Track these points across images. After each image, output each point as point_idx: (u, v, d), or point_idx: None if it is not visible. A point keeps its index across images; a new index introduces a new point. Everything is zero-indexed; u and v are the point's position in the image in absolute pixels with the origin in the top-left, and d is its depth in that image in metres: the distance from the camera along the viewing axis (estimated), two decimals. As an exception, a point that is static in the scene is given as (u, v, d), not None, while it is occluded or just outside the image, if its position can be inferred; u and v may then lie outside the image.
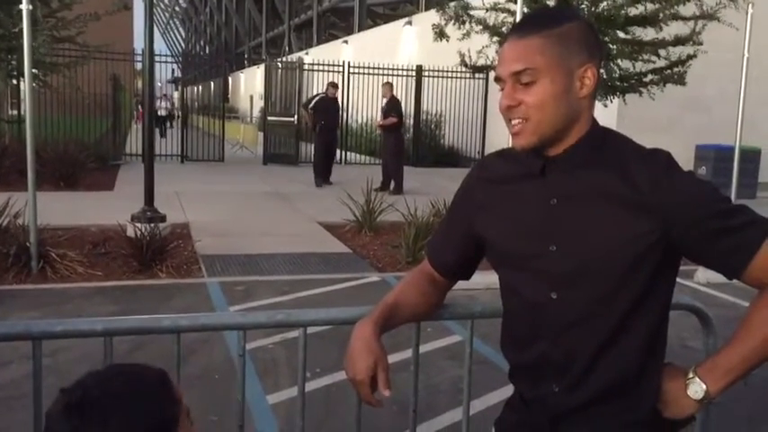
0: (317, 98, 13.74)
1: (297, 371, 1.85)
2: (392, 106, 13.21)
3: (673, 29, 8.86)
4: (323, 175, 13.40)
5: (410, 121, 17.57)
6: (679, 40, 8.80)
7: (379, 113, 13.55)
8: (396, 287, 1.65)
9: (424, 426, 3.60)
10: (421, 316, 1.71)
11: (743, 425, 3.90)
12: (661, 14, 8.54)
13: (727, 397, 1.63)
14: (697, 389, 1.38)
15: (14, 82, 15.48)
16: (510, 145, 1.46)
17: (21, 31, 10.29)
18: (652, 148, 1.41)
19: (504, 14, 9.09)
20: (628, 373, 1.40)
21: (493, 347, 4.38)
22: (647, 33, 8.91)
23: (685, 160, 13.23)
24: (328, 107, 13.37)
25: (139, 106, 27.41)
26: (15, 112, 16.63)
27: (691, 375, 1.39)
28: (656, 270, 1.36)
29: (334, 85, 13.94)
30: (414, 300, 1.63)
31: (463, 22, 9.13)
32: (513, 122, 1.38)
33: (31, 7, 6.22)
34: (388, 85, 13.59)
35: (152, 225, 7.34)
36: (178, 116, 22.28)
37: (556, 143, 1.39)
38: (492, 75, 1.48)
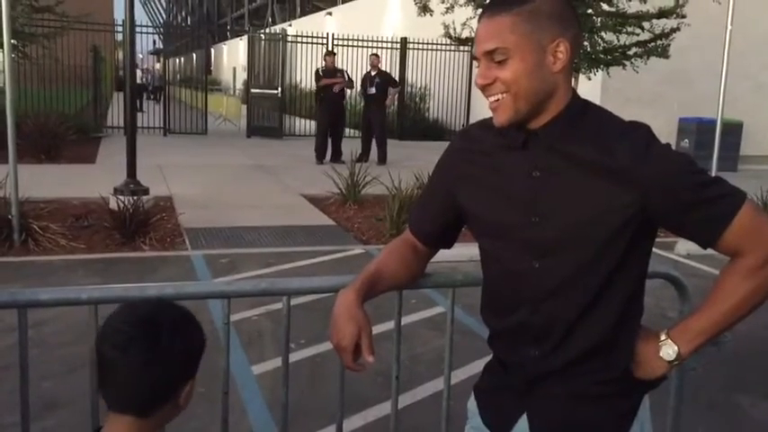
0: (317, 71, 13.11)
1: (281, 341, 1.87)
2: (387, 78, 13.14)
3: (657, 1, 8.87)
4: (322, 152, 12.75)
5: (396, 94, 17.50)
6: (663, 13, 8.83)
7: (369, 85, 13.03)
8: (378, 256, 1.67)
9: (407, 395, 3.66)
10: (402, 284, 1.73)
11: (717, 392, 4.00)
12: (645, -13, 8.55)
13: (702, 364, 1.69)
14: (669, 351, 1.43)
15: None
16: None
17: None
18: (632, 122, 1.43)
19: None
20: (604, 337, 1.43)
21: (476, 318, 4.43)
22: (631, 6, 8.92)
23: (668, 133, 13.31)
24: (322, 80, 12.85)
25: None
26: (-7, 84, 16.37)
27: (663, 338, 1.44)
28: (634, 239, 1.39)
29: (330, 53, 13.41)
30: (395, 268, 1.65)
31: (447, -6, 9.09)
32: (491, 99, 1.41)
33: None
34: (376, 57, 13.48)
35: (135, 198, 7.32)
36: (154, 88, 21.98)
37: (535, 117, 1.41)
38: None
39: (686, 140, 13.22)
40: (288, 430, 1.98)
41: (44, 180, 9.17)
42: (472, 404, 1.63)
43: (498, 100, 1.39)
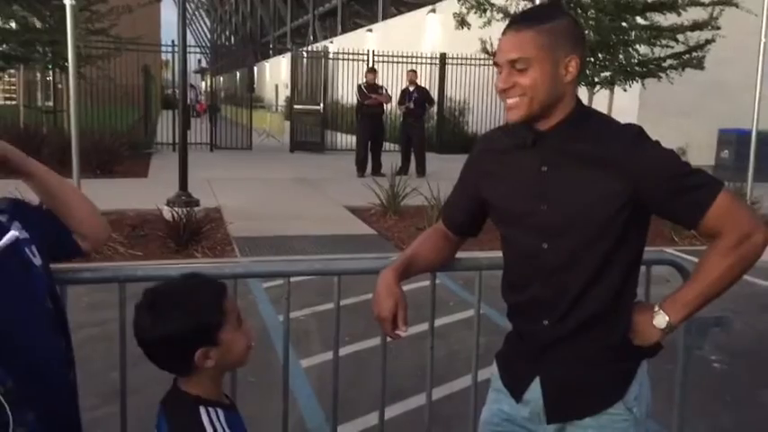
0: (360, 87, 13.74)
1: (327, 340, 2.14)
2: (424, 94, 13.54)
3: (691, 14, 9.01)
4: (363, 165, 13.26)
5: (434, 109, 17.83)
6: (697, 25, 8.96)
7: (407, 100, 13.52)
8: (414, 242, 1.96)
9: (445, 386, 3.93)
10: (434, 267, 2.02)
11: (742, 389, 4.16)
12: (679, 0, 8.71)
13: (705, 345, 1.93)
14: (661, 320, 1.68)
15: (50, 74, 15.97)
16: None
17: (58, 24, 10.74)
18: (626, 123, 1.71)
19: (525, 2, 9.32)
20: (604, 308, 1.69)
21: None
22: (667, 18, 9.07)
23: (708, 145, 13.32)
24: (365, 95, 13.45)
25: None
26: (51, 104, 17.19)
27: (656, 309, 1.69)
28: (628, 222, 1.65)
29: (371, 70, 14.06)
30: (429, 253, 1.94)
31: (484, 11, 9.37)
32: (509, 101, 1.68)
33: (74, 2, 6.59)
34: (414, 73, 13.89)
35: (187, 209, 7.73)
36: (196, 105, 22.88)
37: (543, 119, 1.68)
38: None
39: (726, 151, 13.21)
40: (336, 412, 2.24)
41: (100, 193, 9.52)
42: (494, 369, 1.90)
43: (515, 100, 1.65)
